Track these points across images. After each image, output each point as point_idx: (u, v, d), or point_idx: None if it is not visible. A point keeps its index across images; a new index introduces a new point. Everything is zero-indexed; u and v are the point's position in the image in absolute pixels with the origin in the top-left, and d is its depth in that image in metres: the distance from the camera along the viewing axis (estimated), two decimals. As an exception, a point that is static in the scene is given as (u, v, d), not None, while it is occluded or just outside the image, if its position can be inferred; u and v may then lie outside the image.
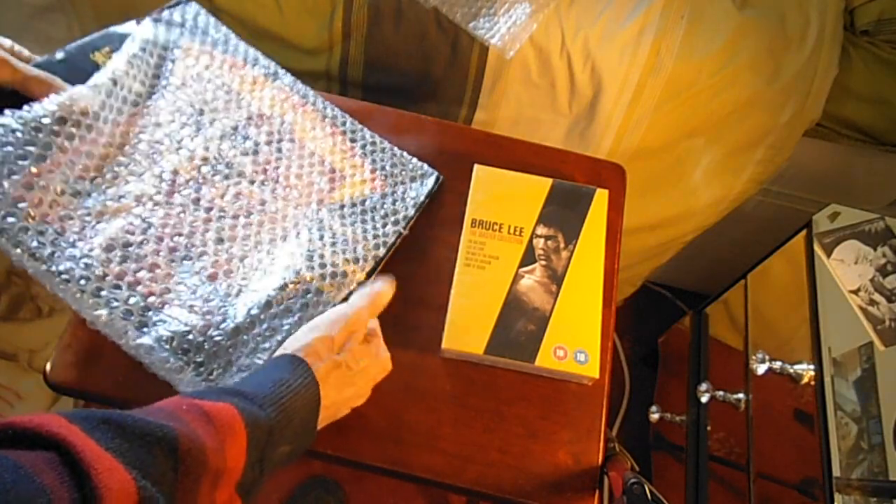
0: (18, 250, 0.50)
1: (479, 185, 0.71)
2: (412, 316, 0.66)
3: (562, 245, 0.68)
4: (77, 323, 0.62)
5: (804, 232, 0.93)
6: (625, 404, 1.44)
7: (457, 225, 0.69)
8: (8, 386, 1.29)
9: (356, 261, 0.61)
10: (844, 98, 0.97)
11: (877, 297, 0.85)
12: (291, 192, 0.63)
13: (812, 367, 0.82)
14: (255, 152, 0.63)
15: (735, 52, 0.90)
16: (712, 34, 0.89)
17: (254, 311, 0.54)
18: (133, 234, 0.54)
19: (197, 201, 0.58)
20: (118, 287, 0.52)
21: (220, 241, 0.57)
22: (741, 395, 0.96)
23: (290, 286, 0.56)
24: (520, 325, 0.63)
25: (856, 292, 0.85)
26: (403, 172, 0.69)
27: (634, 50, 0.89)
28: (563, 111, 0.96)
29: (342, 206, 0.64)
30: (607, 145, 0.98)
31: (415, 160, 0.71)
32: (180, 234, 0.56)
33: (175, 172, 0.58)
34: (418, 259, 0.69)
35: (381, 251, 0.63)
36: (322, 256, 0.59)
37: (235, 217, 0.59)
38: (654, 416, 1.17)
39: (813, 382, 0.81)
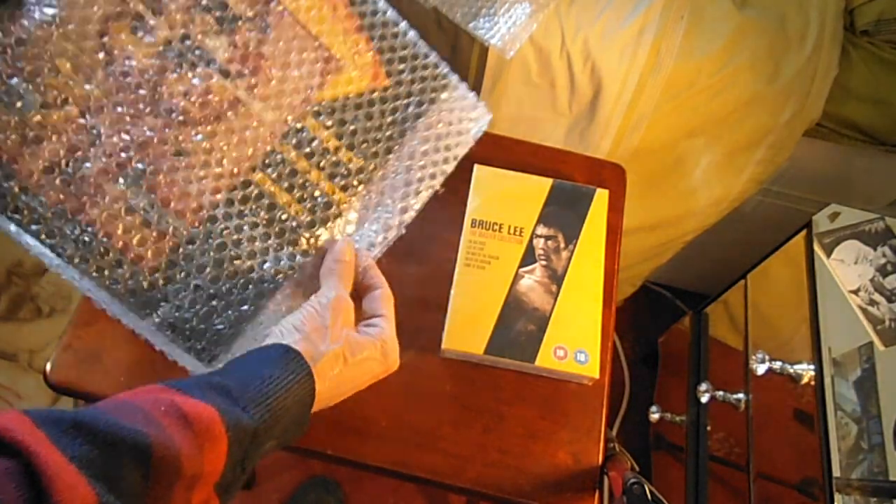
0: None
1: (479, 185, 0.71)
2: (412, 316, 0.66)
3: (562, 245, 0.68)
4: (77, 323, 0.62)
5: (804, 232, 0.93)
6: (625, 404, 1.44)
7: (457, 225, 0.69)
8: (8, 386, 1.29)
9: (345, 188, 0.49)
10: (844, 98, 0.97)
11: (877, 297, 0.85)
12: (273, 89, 0.48)
13: (812, 367, 0.82)
14: (231, 30, 0.47)
15: (735, 52, 0.90)
16: (712, 34, 0.89)
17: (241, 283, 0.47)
18: (77, 150, 0.43)
19: (154, 101, 0.45)
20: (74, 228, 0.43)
21: (178, 153, 0.46)
22: (741, 395, 0.96)
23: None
24: (520, 325, 0.63)
25: (856, 292, 0.85)
26: (425, 79, 0.55)
27: (634, 50, 0.89)
28: (563, 111, 0.96)
29: (333, 111, 0.50)
30: (607, 145, 0.98)
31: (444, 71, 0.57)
32: (129, 149, 0.45)
33: (124, 62, 0.45)
34: (418, 259, 0.69)
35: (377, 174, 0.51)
36: (306, 182, 0.48)
37: (202, 124, 0.46)
38: (654, 416, 1.17)
39: (813, 382, 0.81)
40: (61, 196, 0.43)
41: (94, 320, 0.62)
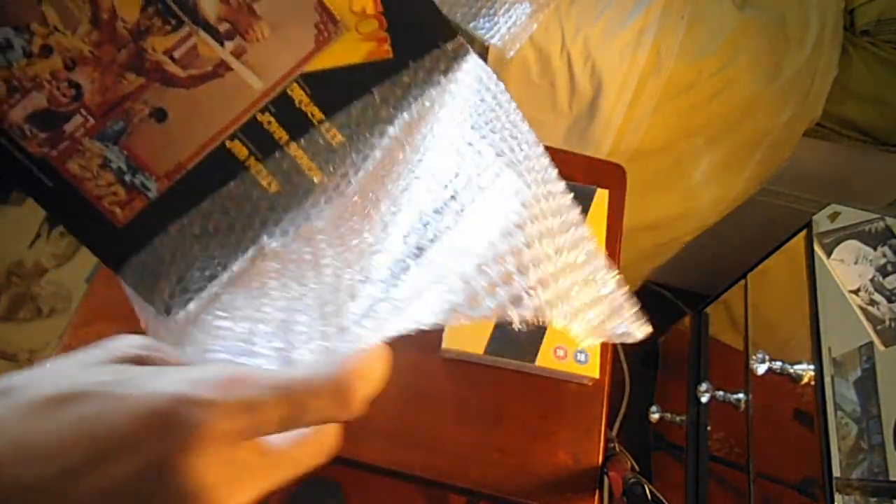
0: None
1: (479, 185, 0.71)
2: (412, 316, 0.66)
3: (562, 245, 0.68)
4: (77, 323, 0.62)
5: (804, 232, 0.93)
6: (625, 404, 1.44)
7: (457, 225, 0.69)
8: (8, 386, 1.29)
9: (323, 166, 0.46)
10: (844, 98, 0.97)
11: (877, 297, 0.85)
12: (261, 52, 0.45)
13: (812, 367, 0.82)
14: None
15: (735, 52, 0.90)
16: (712, 34, 0.89)
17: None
18: (60, 104, 0.44)
19: (140, 56, 0.44)
20: None
21: (156, 115, 0.44)
22: (741, 395, 0.96)
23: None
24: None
25: (856, 292, 0.85)
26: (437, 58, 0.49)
27: (634, 50, 0.89)
28: (563, 111, 0.96)
29: (324, 80, 0.45)
30: (607, 145, 0.98)
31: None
32: (108, 107, 0.45)
33: (110, 11, 0.43)
34: (418, 259, 0.69)
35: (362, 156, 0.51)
36: (284, 155, 0.45)
37: (184, 86, 0.44)
38: (654, 416, 1.17)
39: (813, 382, 0.81)
40: (42, 148, 0.43)
41: (94, 320, 0.62)
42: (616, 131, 0.96)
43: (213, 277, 0.46)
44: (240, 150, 0.45)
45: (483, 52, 0.90)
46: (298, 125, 0.45)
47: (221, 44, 0.43)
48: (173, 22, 0.42)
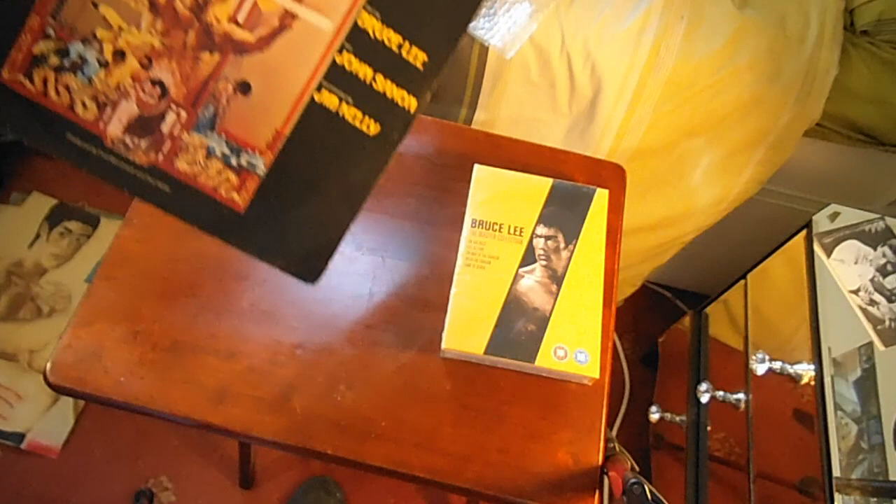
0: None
1: (479, 185, 0.71)
2: (412, 316, 0.66)
3: (562, 245, 0.68)
4: (77, 323, 0.62)
5: (804, 232, 0.93)
6: (625, 404, 1.44)
7: (457, 225, 0.69)
8: (8, 386, 1.29)
9: (413, 90, 0.45)
10: (844, 98, 0.97)
11: (877, 297, 0.85)
12: None
13: (812, 367, 0.82)
14: None
15: (735, 52, 0.90)
16: (712, 34, 0.89)
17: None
18: (150, 107, 0.43)
19: (208, 32, 0.42)
20: None
21: (241, 88, 0.43)
22: (741, 395, 0.96)
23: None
24: (520, 325, 0.63)
25: (856, 292, 0.85)
26: None
27: (634, 50, 0.89)
28: (563, 111, 0.96)
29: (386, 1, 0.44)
30: (607, 145, 0.98)
31: None
32: (195, 95, 0.43)
33: None
34: (418, 259, 0.69)
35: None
36: (373, 91, 0.44)
37: (258, 49, 0.43)
38: (654, 416, 1.17)
39: (813, 382, 0.81)
40: (149, 156, 0.43)
41: (94, 320, 0.62)
42: (616, 131, 0.96)
43: (341, 237, 0.47)
44: (329, 99, 0.44)
45: (483, 52, 0.90)
46: (379, 56, 0.43)
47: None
48: None
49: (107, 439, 1.27)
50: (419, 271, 0.68)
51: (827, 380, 0.79)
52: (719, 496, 1.00)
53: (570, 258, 0.67)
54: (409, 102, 0.45)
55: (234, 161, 0.44)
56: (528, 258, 0.67)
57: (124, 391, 0.59)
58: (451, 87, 0.95)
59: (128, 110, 0.43)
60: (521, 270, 0.66)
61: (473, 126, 0.99)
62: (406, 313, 0.66)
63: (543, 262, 0.67)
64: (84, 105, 0.42)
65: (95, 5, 0.41)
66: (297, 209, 0.46)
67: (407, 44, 0.44)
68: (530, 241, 0.68)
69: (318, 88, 0.43)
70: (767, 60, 0.92)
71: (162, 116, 0.43)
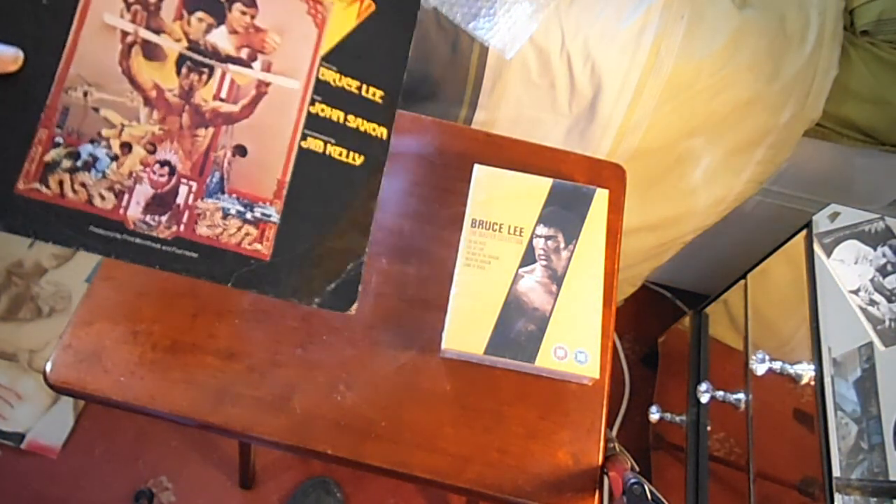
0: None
1: (479, 185, 0.71)
2: (412, 316, 0.66)
3: (562, 245, 0.68)
4: (77, 323, 0.62)
5: (804, 232, 0.93)
6: (625, 404, 1.44)
7: (457, 225, 0.69)
8: (8, 386, 1.29)
9: (380, 121, 0.53)
10: (844, 98, 0.97)
11: (877, 297, 0.85)
12: (283, 57, 0.50)
13: (812, 367, 0.82)
14: (223, 17, 0.49)
15: (735, 52, 0.90)
16: (712, 34, 0.89)
17: None
18: (163, 185, 0.47)
19: (198, 112, 0.48)
20: None
21: (238, 152, 0.49)
22: (741, 395, 0.96)
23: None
24: (520, 325, 0.63)
25: (856, 292, 0.85)
26: None
27: (634, 50, 0.89)
28: (563, 111, 0.96)
29: (340, 54, 0.52)
30: (607, 145, 0.98)
31: None
32: (201, 165, 0.48)
33: (155, 88, 0.47)
34: (418, 259, 0.69)
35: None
36: (346, 129, 0.51)
37: (244, 117, 0.50)
38: (654, 417, 1.17)
39: (813, 382, 0.81)
40: (171, 229, 0.47)
41: (94, 320, 0.62)
42: (616, 131, 0.96)
43: (363, 263, 0.52)
44: (315, 143, 0.51)
45: (483, 52, 0.90)
46: (345, 100, 0.52)
47: (250, 67, 0.50)
48: (206, 70, 0.49)
49: (107, 439, 1.27)
50: (419, 271, 0.68)
51: (827, 380, 0.79)
52: (719, 496, 1.00)
53: (570, 258, 0.67)
54: (381, 132, 0.52)
55: (249, 215, 0.49)
56: (528, 258, 0.67)
57: (124, 391, 0.59)
58: (451, 86, 0.95)
59: (143, 193, 0.47)
60: (521, 270, 0.66)
61: (473, 126, 0.99)
62: (406, 313, 0.66)
63: (543, 262, 0.67)
64: (102, 197, 0.45)
65: (97, 110, 0.45)
66: (317, 245, 0.50)
67: (364, 86, 0.52)
68: (530, 241, 0.68)
69: (303, 137, 0.50)
70: (767, 60, 0.92)
71: (175, 191, 0.48)
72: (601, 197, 0.71)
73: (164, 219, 0.47)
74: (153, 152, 0.47)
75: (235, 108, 0.50)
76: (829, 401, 0.77)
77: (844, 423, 0.75)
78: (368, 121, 0.52)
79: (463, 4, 0.88)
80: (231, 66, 0.49)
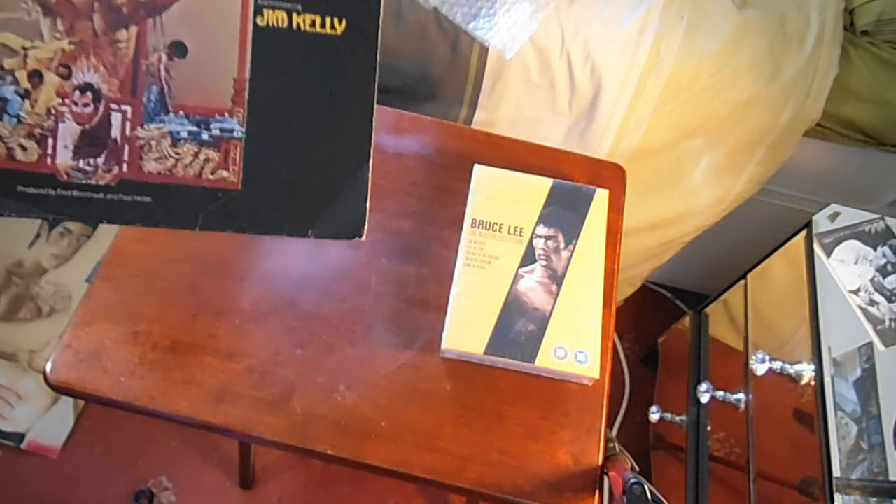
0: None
1: (479, 185, 0.71)
2: (412, 316, 0.66)
3: (562, 245, 0.68)
4: (77, 323, 0.62)
5: (804, 232, 0.93)
6: (625, 404, 1.44)
7: (457, 225, 0.69)
8: (8, 386, 1.29)
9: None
10: (844, 98, 0.97)
11: (877, 297, 0.85)
12: None
13: (812, 367, 0.82)
14: None
15: (735, 52, 0.90)
16: (712, 34, 0.89)
17: None
18: (89, 117, 0.38)
19: (112, 8, 0.37)
20: None
21: (181, 50, 0.38)
22: (741, 395, 0.96)
23: None
24: (520, 325, 0.63)
25: (856, 292, 0.85)
26: None
27: (634, 50, 0.89)
28: (563, 111, 0.96)
29: None
30: (607, 145, 0.98)
31: None
32: (137, 84, 0.38)
33: None
34: (418, 259, 0.69)
35: None
36: None
37: (176, 1, 0.37)
38: (654, 417, 1.17)
39: (813, 382, 0.81)
40: (111, 171, 0.38)
41: (94, 320, 0.62)
42: (616, 131, 0.96)
43: (368, 167, 0.40)
44: (275, 16, 0.38)
45: (483, 52, 0.90)
46: None
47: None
48: None
49: (107, 439, 1.27)
50: (419, 271, 0.68)
51: (827, 380, 0.79)
52: (719, 496, 1.00)
53: (570, 258, 0.67)
54: None
55: (205, 135, 0.38)
56: (528, 258, 0.67)
57: (124, 391, 0.59)
58: (451, 87, 0.95)
59: (69, 132, 0.37)
60: (521, 270, 0.66)
61: (473, 126, 0.99)
62: (406, 313, 0.66)
63: (543, 262, 0.67)
64: (23, 147, 0.37)
65: None
66: (301, 157, 0.39)
67: None
68: (530, 241, 0.68)
69: (258, 11, 0.37)
70: (767, 60, 0.92)
71: (107, 122, 0.38)
72: (601, 197, 0.71)
73: (100, 161, 0.38)
74: (68, 77, 0.37)
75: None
76: (829, 401, 0.77)
77: (844, 423, 0.75)
78: None
79: (463, 4, 0.88)
80: None
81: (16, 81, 0.36)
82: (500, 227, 0.68)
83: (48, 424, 1.26)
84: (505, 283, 0.66)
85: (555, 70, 0.91)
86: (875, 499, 0.71)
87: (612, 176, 0.77)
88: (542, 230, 0.69)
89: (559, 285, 0.66)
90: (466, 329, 0.63)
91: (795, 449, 0.83)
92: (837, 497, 0.71)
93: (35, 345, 1.33)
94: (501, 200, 0.70)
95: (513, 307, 0.64)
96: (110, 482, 1.23)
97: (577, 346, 0.63)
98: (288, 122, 0.39)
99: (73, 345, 0.60)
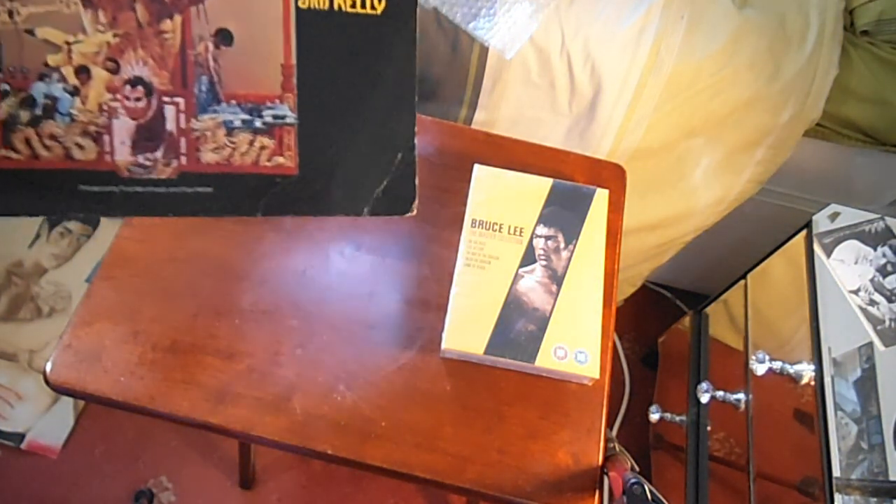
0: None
1: (479, 185, 0.71)
2: (412, 316, 0.66)
3: (562, 245, 0.68)
4: (77, 323, 0.62)
5: (804, 232, 0.93)
6: (625, 404, 1.44)
7: (457, 225, 0.69)
8: (8, 386, 1.29)
9: None
10: (844, 98, 0.97)
11: (877, 297, 0.85)
12: None
13: (812, 367, 0.82)
14: None
15: (735, 52, 0.90)
16: (712, 34, 0.89)
17: None
18: (143, 111, 0.38)
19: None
20: None
21: (227, 38, 0.37)
22: (741, 395, 0.96)
23: None
24: (520, 325, 0.63)
25: (856, 292, 0.85)
26: None
27: (634, 50, 0.89)
28: (563, 111, 0.96)
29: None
30: (607, 145, 0.98)
31: None
32: (186, 74, 0.38)
33: None
34: (418, 259, 0.69)
35: None
36: None
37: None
38: (654, 417, 1.17)
39: (813, 382, 0.81)
40: (170, 165, 0.37)
41: (94, 320, 0.62)
42: (616, 131, 0.96)
43: (414, 147, 0.41)
44: None
45: (483, 52, 0.90)
46: None
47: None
48: None
49: (107, 439, 1.27)
50: (419, 271, 0.68)
51: (827, 380, 0.79)
52: (719, 496, 1.00)
53: (570, 258, 0.67)
54: None
55: (258, 122, 0.38)
56: (528, 258, 0.67)
57: (124, 391, 0.59)
58: (451, 86, 0.95)
59: (124, 127, 0.37)
60: (521, 270, 0.66)
61: (473, 126, 0.99)
62: (406, 313, 0.66)
63: (543, 262, 0.67)
64: (80, 146, 0.36)
65: (31, 32, 0.35)
66: (352, 138, 0.39)
67: None
68: (530, 241, 0.68)
69: None
70: (767, 60, 0.92)
71: (161, 115, 0.37)
72: (601, 197, 0.71)
73: (159, 155, 0.37)
74: (117, 71, 0.36)
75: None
76: (829, 401, 0.77)
77: (844, 423, 0.75)
78: None
79: (463, 4, 0.88)
80: None
81: (63, 78, 0.36)
82: (500, 227, 0.68)
83: (48, 424, 1.26)
84: (505, 283, 0.66)
85: (555, 70, 0.91)
86: (875, 499, 0.71)
87: (612, 176, 0.77)
88: (542, 230, 0.69)
89: (559, 285, 0.66)
90: (466, 329, 0.63)
91: (795, 449, 0.83)
92: (837, 497, 0.71)
93: (35, 345, 1.33)
94: (501, 200, 0.70)
95: (513, 307, 0.64)
96: (110, 482, 1.23)
97: (577, 346, 0.63)
98: (337, 104, 0.39)
99: (73, 345, 0.60)
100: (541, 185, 0.71)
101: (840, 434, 0.75)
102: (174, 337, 0.62)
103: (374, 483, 1.26)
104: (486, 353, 0.62)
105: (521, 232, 0.68)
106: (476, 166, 0.72)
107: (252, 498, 1.25)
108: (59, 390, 0.59)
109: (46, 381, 0.59)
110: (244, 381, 0.60)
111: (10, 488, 1.21)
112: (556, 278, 0.66)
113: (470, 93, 0.95)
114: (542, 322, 0.64)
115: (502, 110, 0.98)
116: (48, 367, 0.59)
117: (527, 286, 0.66)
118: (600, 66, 0.90)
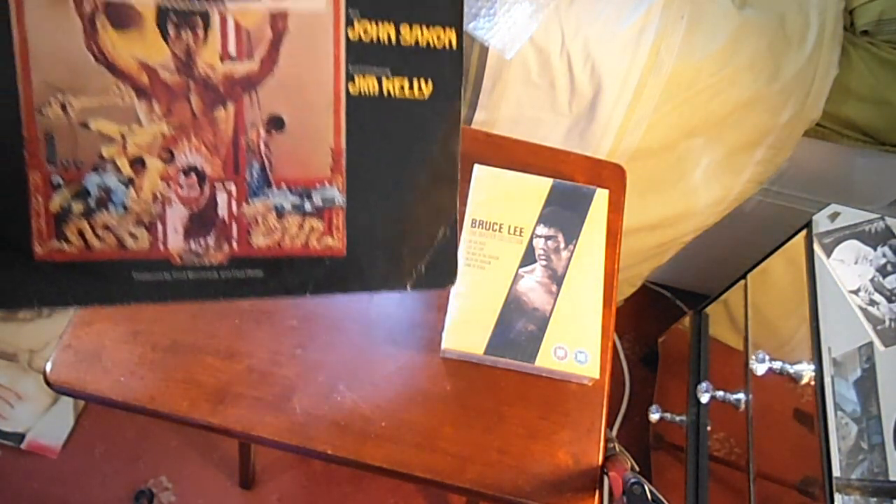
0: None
1: (479, 185, 0.71)
2: (412, 316, 0.66)
3: (562, 245, 0.68)
4: (77, 323, 0.62)
5: (804, 232, 0.93)
6: (625, 404, 1.44)
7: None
8: (8, 386, 1.29)
9: None
10: (844, 98, 0.97)
11: (877, 297, 0.85)
12: None
13: (812, 367, 0.82)
14: None
15: (735, 52, 0.90)
16: (712, 34, 0.89)
17: None
18: (196, 199, 0.37)
19: (208, 86, 0.36)
20: None
21: (279, 124, 0.38)
22: (741, 395, 0.96)
23: None
24: (520, 325, 0.63)
25: (856, 292, 0.85)
26: None
27: (634, 50, 0.89)
28: (563, 111, 0.96)
29: None
30: (607, 145, 0.98)
31: None
32: (238, 160, 0.38)
33: (144, 69, 0.36)
34: (418, 259, 0.69)
35: None
36: None
37: (268, 73, 0.37)
38: (654, 417, 1.17)
39: (813, 382, 0.81)
40: (223, 250, 0.38)
41: (95, 320, 0.62)
42: (616, 131, 0.96)
43: (457, 222, 0.42)
44: (366, 83, 0.38)
45: (483, 52, 0.90)
46: (390, 4, 0.37)
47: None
48: (199, 19, 0.35)
49: (107, 439, 1.27)
50: (419, 271, 0.68)
51: (827, 380, 0.79)
52: (719, 496, 1.00)
53: (570, 258, 0.67)
54: (448, 37, 0.38)
55: (308, 206, 0.39)
56: (528, 258, 0.67)
57: (124, 391, 0.59)
58: (451, 87, 0.94)
59: (178, 216, 0.37)
60: (521, 270, 0.66)
61: (473, 126, 0.99)
62: (406, 313, 0.66)
63: (543, 262, 0.67)
64: (133, 236, 0.36)
65: (86, 125, 0.35)
66: (398, 217, 0.40)
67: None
68: (530, 241, 0.68)
69: (350, 78, 0.38)
70: (767, 60, 0.92)
71: (213, 202, 0.38)
72: (601, 197, 0.71)
73: (210, 241, 0.38)
74: (171, 160, 0.36)
75: (253, 65, 0.36)
76: (829, 401, 0.77)
77: (844, 423, 0.75)
78: (429, 25, 0.37)
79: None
80: (229, 4, 0.35)
81: (118, 169, 0.36)
82: (500, 227, 0.68)
83: (48, 424, 1.26)
84: (505, 283, 0.66)
85: (555, 70, 0.91)
86: (875, 499, 0.71)
87: (612, 176, 0.77)
88: (542, 230, 0.69)
89: (559, 285, 0.66)
90: (466, 329, 0.63)
91: (795, 449, 0.83)
92: (837, 497, 0.71)
93: (35, 345, 1.33)
94: (501, 200, 0.70)
95: (513, 307, 0.64)
96: (110, 482, 1.23)
97: (577, 346, 0.63)
98: (384, 184, 0.40)
99: (73, 345, 0.60)
100: (541, 185, 0.71)
101: (840, 434, 0.75)
102: (174, 337, 0.62)
103: (374, 483, 1.26)
104: (486, 353, 0.62)
105: (521, 232, 0.68)
106: (476, 166, 0.72)
107: (252, 498, 1.25)
108: (59, 390, 0.59)
109: (46, 381, 0.59)
110: (244, 381, 0.60)
111: (10, 488, 1.21)
112: (556, 278, 0.66)
113: (470, 93, 0.95)
114: (542, 322, 0.64)
115: (502, 110, 0.98)
116: (48, 367, 0.59)
117: (527, 286, 0.66)
118: (600, 67, 0.90)
